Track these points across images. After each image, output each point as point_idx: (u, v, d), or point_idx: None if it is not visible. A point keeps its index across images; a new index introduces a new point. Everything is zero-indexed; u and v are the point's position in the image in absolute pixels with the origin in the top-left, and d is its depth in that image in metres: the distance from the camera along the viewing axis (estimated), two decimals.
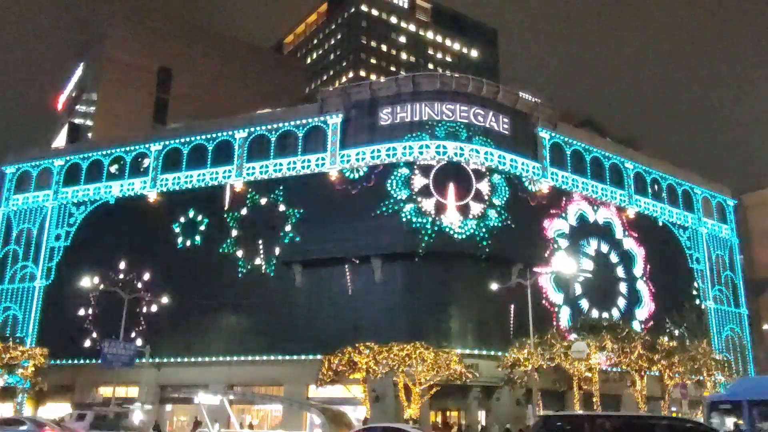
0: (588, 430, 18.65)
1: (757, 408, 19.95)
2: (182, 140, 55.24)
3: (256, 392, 46.23)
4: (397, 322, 44.75)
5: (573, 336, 41.93)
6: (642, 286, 56.09)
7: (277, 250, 49.01)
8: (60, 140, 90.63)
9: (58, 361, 51.03)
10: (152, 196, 54.26)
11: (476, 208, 47.15)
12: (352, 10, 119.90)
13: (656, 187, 60.43)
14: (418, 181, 47.11)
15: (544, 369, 40.31)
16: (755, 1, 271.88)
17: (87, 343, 52.51)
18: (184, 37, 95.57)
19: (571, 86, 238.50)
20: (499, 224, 47.54)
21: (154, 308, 50.83)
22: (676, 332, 52.40)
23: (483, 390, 44.58)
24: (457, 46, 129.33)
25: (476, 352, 44.33)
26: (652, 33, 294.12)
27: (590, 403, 40.71)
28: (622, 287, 54.72)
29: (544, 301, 48.62)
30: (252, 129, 53.13)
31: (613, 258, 54.84)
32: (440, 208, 46.52)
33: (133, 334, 49.28)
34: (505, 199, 48.45)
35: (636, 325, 51.54)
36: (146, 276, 52.38)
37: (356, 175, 48.33)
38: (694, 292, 60.16)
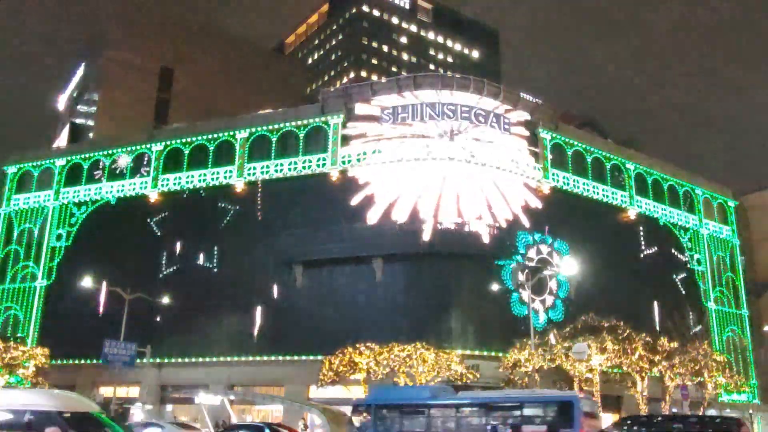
0: None
1: (380, 409, 27.80)
2: (183, 140, 55.29)
3: (256, 392, 46.23)
4: (397, 322, 44.79)
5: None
6: None
7: (279, 251, 49.11)
8: (61, 140, 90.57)
9: (59, 361, 51.05)
10: (153, 196, 54.32)
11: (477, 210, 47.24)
12: (354, 10, 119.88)
13: (657, 188, 60.43)
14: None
15: (545, 370, 40.28)
16: (756, 1, 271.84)
17: (88, 343, 52.52)
18: (185, 37, 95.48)
19: (572, 87, 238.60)
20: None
21: (155, 308, 50.85)
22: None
23: (484, 390, 44.55)
24: (458, 47, 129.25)
25: (477, 352, 44.32)
26: (653, 34, 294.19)
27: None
28: None
29: None
30: (253, 129, 53.19)
31: None
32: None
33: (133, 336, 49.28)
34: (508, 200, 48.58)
35: None
36: (147, 276, 52.43)
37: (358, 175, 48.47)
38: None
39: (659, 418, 28.16)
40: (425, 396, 27.59)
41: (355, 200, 48.06)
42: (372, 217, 47.29)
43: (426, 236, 46.29)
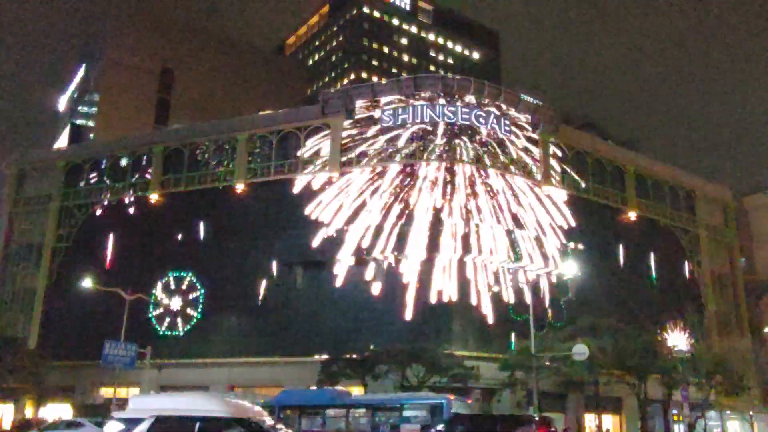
0: None
1: (284, 410, 30.32)
2: (183, 141, 55.27)
3: (256, 393, 46.20)
4: (397, 323, 44.77)
5: None
6: None
7: (278, 252, 49.14)
8: (62, 141, 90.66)
9: (59, 362, 51.04)
10: (154, 197, 54.33)
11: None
12: (354, 11, 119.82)
13: (657, 189, 60.37)
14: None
15: (545, 371, 40.19)
16: (757, 1, 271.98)
17: (88, 344, 52.52)
18: (186, 38, 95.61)
19: (572, 88, 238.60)
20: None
21: (155, 309, 50.86)
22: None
23: (484, 392, 44.49)
24: (458, 48, 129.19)
25: (477, 353, 44.27)
26: (653, 35, 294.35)
27: (591, 406, 40.67)
28: None
29: None
30: (254, 130, 53.17)
31: None
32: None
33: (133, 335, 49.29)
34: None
35: None
36: (147, 277, 52.43)
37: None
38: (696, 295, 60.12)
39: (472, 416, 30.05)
40: (321, 399, 30.55)
41: (355, 202, 48.09)
42: (375, 219, 47.30)
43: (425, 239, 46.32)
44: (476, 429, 25.53)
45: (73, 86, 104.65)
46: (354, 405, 29.28)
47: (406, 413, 27.61)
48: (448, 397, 28.82)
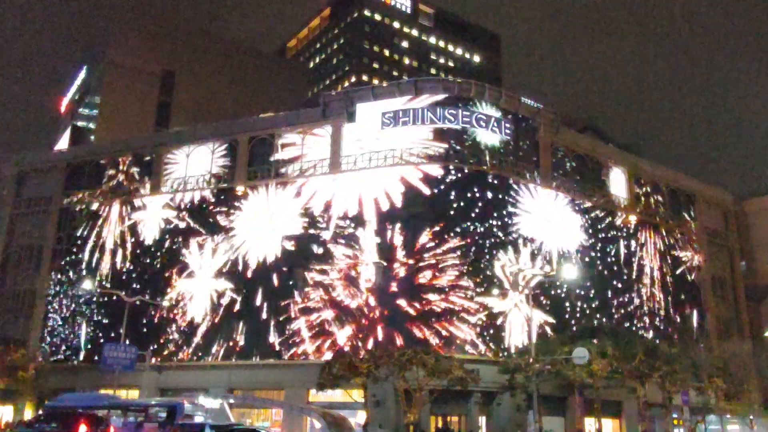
0: None
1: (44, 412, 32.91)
2: (184, 143, 55.25)
3: (255, 396, 46.17)
4: (396, 326, 44.75)
5: None
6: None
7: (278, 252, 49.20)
8: (63, 143, 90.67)
9: (58, 364, 51.04)
10: (154, 199, 54.30)
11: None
12: (355, 14, 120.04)
13: (658, 192, 60.35)
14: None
15: (546, 374, 40.18)
16: (757, 4, 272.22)
17: (88, 346, 52.53)
18: (187, 40, 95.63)
19: (573, 91, 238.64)
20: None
21: (155, 311, 50.84)
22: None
23: (484, 395, 44.44)
24: (459, 51, 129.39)
25: (477, 357, 44.20)
26: (655, 38, 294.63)
27: (591, 409, 40.63)
28: None
29: None
30: (254, 133, 53.19)
31: None
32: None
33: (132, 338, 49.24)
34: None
35: None
36: (147, 278, 52.44)
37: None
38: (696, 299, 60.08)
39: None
40: (89, 401, 34.33)
41: (356, 204, 48.12)
42: (371, 222, 47.35)
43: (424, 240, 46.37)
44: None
45: (74, 88, 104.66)
46: (113, 406, 33.05)
47: (151, 413, 31.07)
48: (183, 401, 32.79)
